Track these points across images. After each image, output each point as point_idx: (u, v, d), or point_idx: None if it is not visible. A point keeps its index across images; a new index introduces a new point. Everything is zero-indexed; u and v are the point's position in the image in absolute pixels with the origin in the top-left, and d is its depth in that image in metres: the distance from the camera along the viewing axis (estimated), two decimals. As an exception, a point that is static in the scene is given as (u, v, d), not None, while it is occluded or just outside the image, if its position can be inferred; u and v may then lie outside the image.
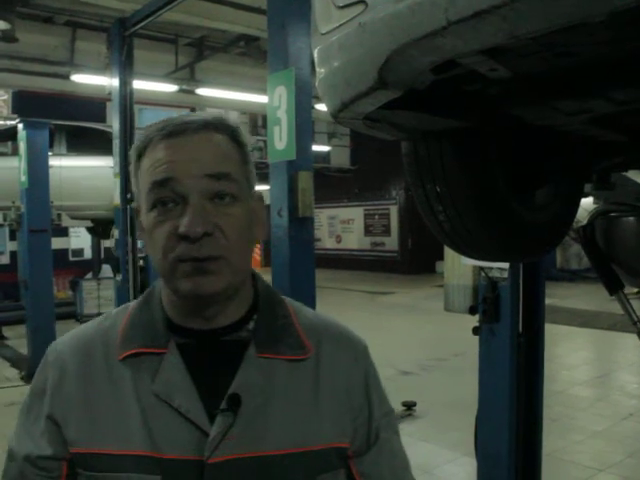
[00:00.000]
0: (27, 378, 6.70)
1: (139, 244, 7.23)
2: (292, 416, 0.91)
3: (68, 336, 0.99)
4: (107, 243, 10.65)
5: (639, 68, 1.05)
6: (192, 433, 0.86)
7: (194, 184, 0.86)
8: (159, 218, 0.87)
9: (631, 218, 1.85)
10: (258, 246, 23.84)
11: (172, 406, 0.87)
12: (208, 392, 0.89)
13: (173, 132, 0.88)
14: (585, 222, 1.95)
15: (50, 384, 0.93)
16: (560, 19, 0.74)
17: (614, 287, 1.94)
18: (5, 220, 7.54)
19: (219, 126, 0.91)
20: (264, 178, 3.52)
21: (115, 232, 6.18)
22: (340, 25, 1.05)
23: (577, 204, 1.92)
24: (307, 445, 0.90)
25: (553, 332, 7.93)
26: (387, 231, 18.60)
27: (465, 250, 1.81)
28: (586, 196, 2.10)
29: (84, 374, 0.92)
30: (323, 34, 1.13)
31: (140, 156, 0.91)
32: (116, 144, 6.03)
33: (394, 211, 18.33)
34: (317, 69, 1.19)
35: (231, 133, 0.92)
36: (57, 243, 9.68)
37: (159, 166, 0.87)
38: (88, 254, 12.62)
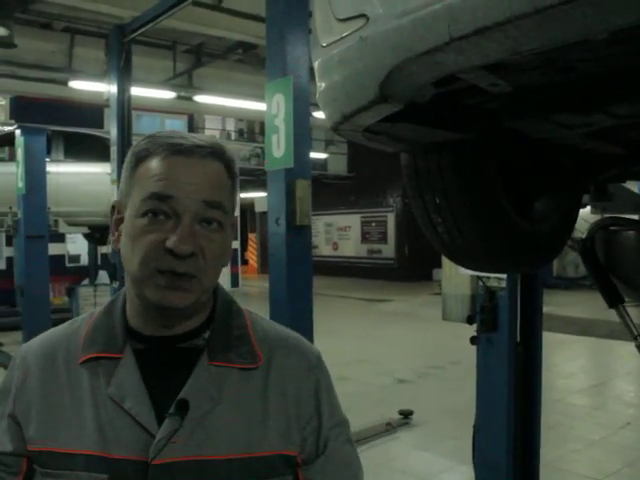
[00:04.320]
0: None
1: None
2: (239, 423, 0.94)
3: (37, 339, 1.04)
4: (104, 249, 10.65)
5: (636, 83, 1.06)
6: (140, 435, 0.90)
7: (190, 206, 0.91)
8: (149, 227, 0.91)
9: (632, 232, 1.85)
10: (254, 252, 23.86)
11: (124, 408, 0.92)
12: (160, 396, 0.93)
13: (182, 151, 0.92)
14: (585, 235, 1.95)
15: (14, 385, 0.98)
16: (563, 37, 0.75)
17: (614, 301, 1.94)
18: (2, 226, 7.52)
19: (221, 156, 0.96)
20: (262, 185, 3.52)
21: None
22: (341, 38, 1.05)
23: (576, 215, 1.93)
24: (252, 451, 0.93)
25: (550, 340, 7.91)
26: (384, 238, 18.60)
27: (464, 261, 1.81)
28: (584, 206, 2.11)
29: (45, 377, 0.97)
30: (324, 47, 1.13)
31: (139, 162, 0.94)
32: (114, 150, 6.02)
33: (391, 218, 18.34)
34: (317, 82, 1.19)
35: (228, 164, 0.97)
36: (54, 249, 9.64)
37: (161, 180, 0.91)
38: (85, 260, 12.58)
